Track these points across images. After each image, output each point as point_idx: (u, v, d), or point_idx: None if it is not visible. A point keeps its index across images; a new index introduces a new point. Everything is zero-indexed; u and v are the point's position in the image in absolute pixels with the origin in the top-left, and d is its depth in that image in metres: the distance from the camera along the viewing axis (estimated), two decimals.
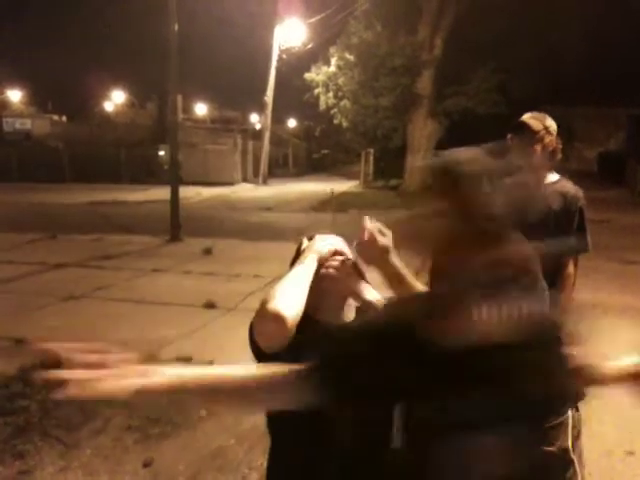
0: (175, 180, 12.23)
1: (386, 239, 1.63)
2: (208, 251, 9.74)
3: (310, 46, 25.78)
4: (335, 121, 22.90)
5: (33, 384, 4.01)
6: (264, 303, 1.44)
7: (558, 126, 2.94)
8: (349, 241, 1.72)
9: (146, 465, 3.22)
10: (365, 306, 1.64)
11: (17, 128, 36.39)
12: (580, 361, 1.03)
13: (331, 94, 22.24)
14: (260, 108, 30.62)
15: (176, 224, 11.42)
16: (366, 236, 1.63)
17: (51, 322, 5.84)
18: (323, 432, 1.54)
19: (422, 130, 20.90)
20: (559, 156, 2.93)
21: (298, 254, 1.68)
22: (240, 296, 6.69)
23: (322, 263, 1.61)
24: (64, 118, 43.89)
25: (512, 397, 1.00)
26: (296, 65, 26.01)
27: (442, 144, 17.14)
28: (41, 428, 3.58)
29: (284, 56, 27.66)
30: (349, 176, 30.32)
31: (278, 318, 1.40)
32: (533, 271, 1.02)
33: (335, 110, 22.36)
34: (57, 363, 1.07)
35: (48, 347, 1.07)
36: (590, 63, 19.07)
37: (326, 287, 1.60)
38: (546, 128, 2.86)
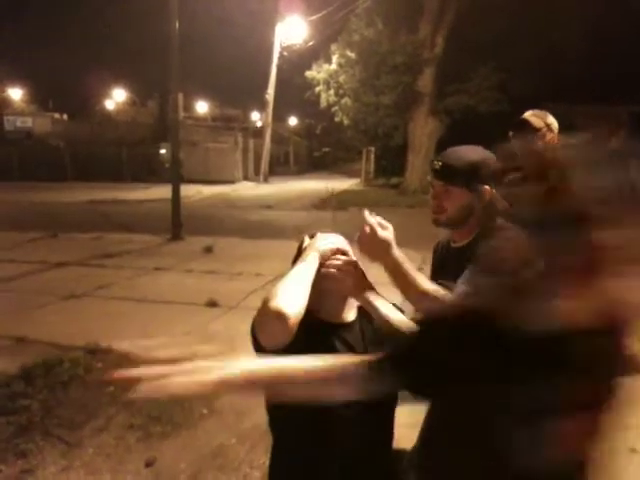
0: (176, 178, 12.21)
1: (387, 232, 1.63)
2: (209, 249, 9.74)
3: (311, 44, 25.78)
4: (336, 119, 22.88)
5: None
6: (266, 301, 1.44)
7: (560, 124, 2.94)
8: (350, 239, 1.73)
9: (148, 465, 3.22)
10: (366, 305, 1.64)
11: (18, 126, 36.43)
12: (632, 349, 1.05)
13: (332, 92, 22.22)
14: (261, 106, 30.67)
15: (177, 222, 11.42)
16: (367, 229, 1.63)
17: (52, 321, 5.86)
18: (325, 432, 1.55)
19: (423, 128, 20.88)
20: None
21: (300, 252, 1.68)
22: (242, 294, 6.69)
23: (324, 261, 1.61)
24: (65, 116, 43.87)
25: (593, 382, 1.01)
26: (297, 63, 26.03)
27: (443, 142, 17.11)
28: (43, 427, 3.58)
29: (285, 54, 27.67)
30: (350, 174, 30.34)
31: (280, 316, 1.40)
32: (626, 258, 1.01)
33: (336, 108, 22.33)
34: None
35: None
36: (591, 61, 19.03)
37: (327, 286, 1.60)
38: (547, 125, 2.86)
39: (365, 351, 1.55)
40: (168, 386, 1.07)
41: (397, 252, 1.64)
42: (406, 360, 1.13)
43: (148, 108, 45.46)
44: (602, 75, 20.03)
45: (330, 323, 1.63)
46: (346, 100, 21.81)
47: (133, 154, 28.17)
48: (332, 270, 1.60)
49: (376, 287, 1.68)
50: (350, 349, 1.59)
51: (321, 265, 1.59)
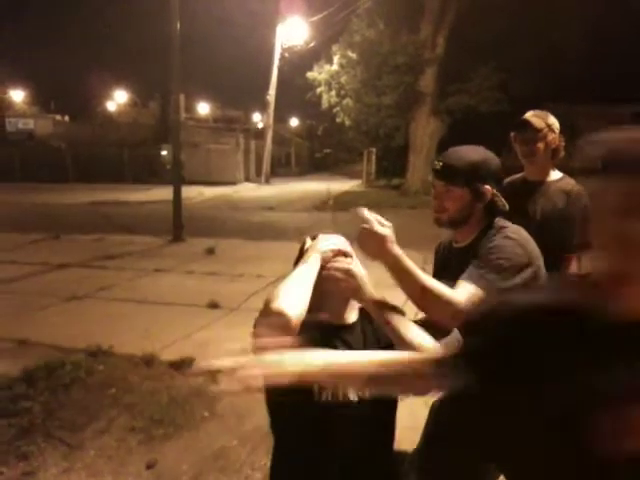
0: (178, 180, 12.20)
1: (385, 229, 1.63)
2: (211, 251, 9.73)
3: (312, 44, 25.78)
4: (337, 120, 22.88)
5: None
6: (268, 302, 1.45)
7: (561, 124, 2.94)
8: (352, 240, 1.72)
9: (149, 466, 3.22)
10: (367, 307, 1.64)
11: (20, 128, 36.48)
12: None
13: (333, 93, 22.22)
14: (262, 107, 30.71)
15: (179, 224, 11.42)
16: (364, 226, 1.62)
17: (54, 323, 5.86)
18: (326, 432, 1.54)
19: (425, 128, 20.86)
20: (562, 154, 2.92)
21: (301, 254, 1.68)
22: (243, 296, 6.68)
23: (325, 263, 1.60)
24: (67, 118, 43.94)
25: None
26: (298, 64, 26.03)
27: (444, 142, 17.10)
28: (44, 429, 3.58)
29: (286, 55, 27.69)
30: (351, 175, 30.35)
31: (282, 317, 1.40)
32: None
33: (337, 109, 22.33)
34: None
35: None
36: (591, 61, 19.02)
37: (329, 288, 1.59)
38: (549, 126, 2.86)
39: None
40: (248, 379, 1.11)
41: (397, 249, 1.63)
42: (483, 357, 1.12)
43: (149, 109, 45.47)
44: (602, 75, 20.02)
45: (331, 324, 1.63)
46: (347, 101, 21.82)
47: (134, 155, 28.23)
48: (333, 272, 1.60)
49: (379, 289, 1.67)
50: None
51: (323, 267, 1.59)
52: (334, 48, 22.23)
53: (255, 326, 1.53)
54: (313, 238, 1.71)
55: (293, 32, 27.11)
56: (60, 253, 9.58)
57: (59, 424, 3.65)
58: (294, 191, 23.30)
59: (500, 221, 1.91)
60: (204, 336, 5.42)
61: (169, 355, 4.80)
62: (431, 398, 2.16)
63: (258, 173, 29.10)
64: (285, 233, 11.21)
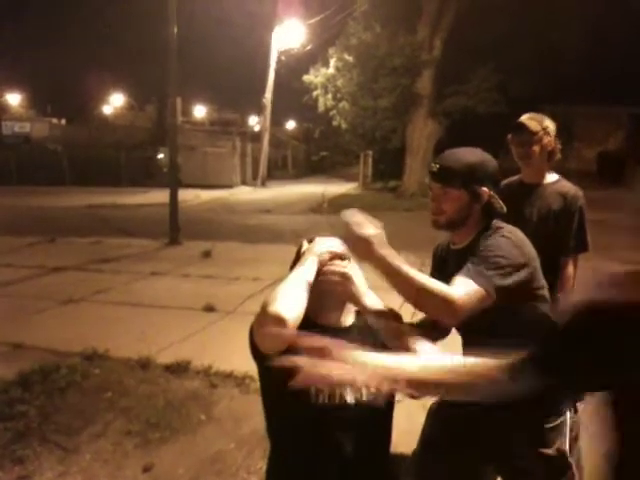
0: (174, 183, 12.19)
1: (369, 230, 1.60)
2: (207, 254, 9.72)
3: (309, 47, 25.79)
4: (334, 123, 22.87)
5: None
6: (265, 306, 1.44)
7: (557, 126, 2.95)
8: None
9: (146, 470, 3.20)
10: (363, 310, 1.63)
11: (16, 131, 36.51)
12: None
13: (330, 96, 22.22)
14: (259, 110, 30.66)
15: (175, 227, 11.40)
16: (347, 229, 1.60)
17: (50, 326, 5.84)
18: (323, 435, 1.54)
19: (422, 130, 20.86)
20: (558, 156, 2.93)
21: (298, 257, 1.68)
22: (239, 299, 6.67)
23: (322, 266, 1.60)
24: (63, 121, 43.97)
25: None
26: (295, 67, 26.01)
27: (441, 144, 17.12)
28: (40, 433, 3.56)
29: (283, 58, 27.69)
30: (348, 178, 30.35)
31: (279, 320, 1.39)
32: None
33: (334, 112, 22.33)
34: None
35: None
36: (591, 61, 19.05)
37: (325, 291, 1.59)
38: (544, 129, 2.87)
39: None
40: (327, 377, 1.15)
41: (385, 250, 1.60)
42: (556, 360, 1.11)
43: (146, 112, 45.50)
44: (602, 75, 20.07)
45: (328, 327, 1.62)
46: (344, 104, 21.81)
47: (131, 158, 28.21)
48: (329, 276, 1.59)
49: (376, 292, 1.67)
50: None
51: (319, 270, 1.58)
52: (330, 51, 22.24)
53: (251, 329, 1.53)
54: (310, 241, 1.70)
55: (290, 35, 27.10)
56: (56, 256, 9.56)
57: (55, 428, 3.63)
58: (291, 194, 23.30)
59: (497, 223, 1.91)
60: (200, 339, 5.41)
61: (165, 358, 4.78)
62: (429, 401, 2.15)
63: (255, 176, 29.07)
64: (281, 236, 11.19)
